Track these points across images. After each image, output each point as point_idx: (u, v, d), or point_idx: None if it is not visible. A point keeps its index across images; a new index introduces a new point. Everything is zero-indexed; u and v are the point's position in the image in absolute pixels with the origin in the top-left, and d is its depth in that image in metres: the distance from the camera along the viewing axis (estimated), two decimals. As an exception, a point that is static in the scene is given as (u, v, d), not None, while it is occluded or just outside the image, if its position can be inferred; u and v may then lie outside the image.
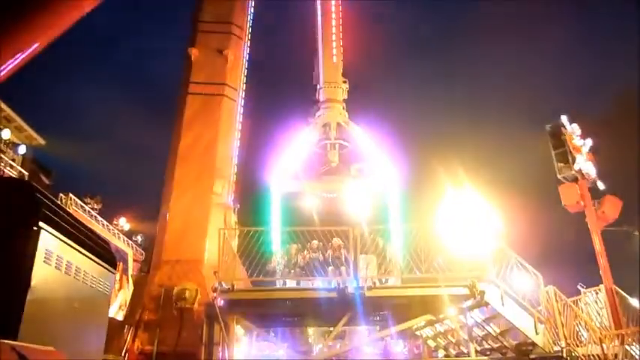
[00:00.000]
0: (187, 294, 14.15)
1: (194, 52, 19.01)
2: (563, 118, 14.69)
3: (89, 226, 5.14)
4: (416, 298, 12.88)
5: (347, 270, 17.67)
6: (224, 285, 12.97)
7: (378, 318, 15.77)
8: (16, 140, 27.28)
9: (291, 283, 14.90)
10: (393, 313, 14.41)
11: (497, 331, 13.21)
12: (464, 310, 12.98)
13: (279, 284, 14.88)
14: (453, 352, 16.10)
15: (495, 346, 13.72)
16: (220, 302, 13.13)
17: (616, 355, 10.54)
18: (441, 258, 13.03)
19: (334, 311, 13.93)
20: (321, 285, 14.90)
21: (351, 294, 13.09)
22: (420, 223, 14.21)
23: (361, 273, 13.59)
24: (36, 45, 6.92)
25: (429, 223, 13.86)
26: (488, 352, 14.12)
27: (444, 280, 12.51)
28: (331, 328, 16.57)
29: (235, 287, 12.98)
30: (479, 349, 14.17)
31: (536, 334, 11.58)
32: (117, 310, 25.96)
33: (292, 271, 15.14)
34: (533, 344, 11.80)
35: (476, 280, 12.15)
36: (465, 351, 14.35)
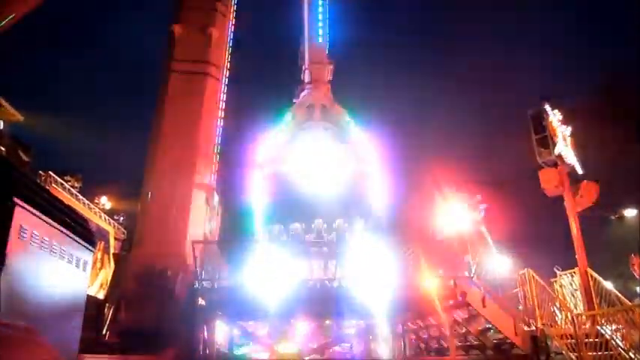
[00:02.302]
0: (169, 272, 14.15)
1: (177, 29, 18.65)
2: (545, 104, 14.82)
3: (68, 204, 5.08)
4: (400, 296, 13.04)
5: (330, 252, 17.83)
6: (204, 284, 13.09)
7: (360, 314, 15.75)
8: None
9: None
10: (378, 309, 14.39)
11: (478, 329, 13.36)
12: (447, 308, 13.09)
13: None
14: (434, 345, 16.20)
15: (475, 343, 13.94)
16: (202, 302, 13.19)
17: (587, 335, 10.86)
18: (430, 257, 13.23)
19: (318, 308, 14.02)
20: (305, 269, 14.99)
21: (334, 293, 13.17)
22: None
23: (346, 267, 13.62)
24: (11, 16, 6.74)
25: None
26: (468, 348, 14.32)
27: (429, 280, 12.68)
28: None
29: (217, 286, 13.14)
30: (459, 344, 14.33)
31: (516, 335, 11.86)
32: (98, 289, 25.84)
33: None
34: (513, 344, 12.08)
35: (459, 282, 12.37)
36: (446, 345, 14.55)
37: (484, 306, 12.24)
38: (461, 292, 12.18)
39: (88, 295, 6.40)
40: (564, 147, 14.59)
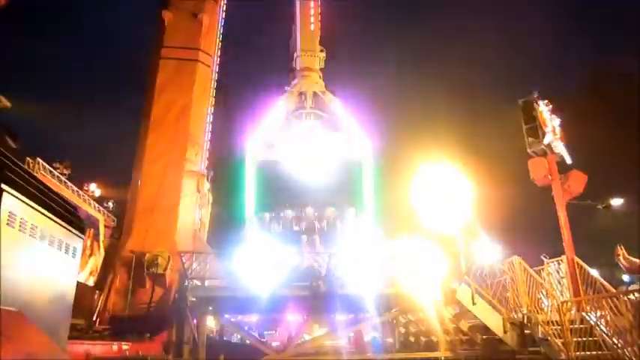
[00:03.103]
0: (159, 260, 14.15)
1: (167, 15, 18.43)
2: (535, 94, 14.89)
3: (57, 191, 5.06)
4: (390, 294, 13.16)
5: (320, 239, 17.95)
6: (195, 282, 13.20)
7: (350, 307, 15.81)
8: (-21, 102, 26.24)
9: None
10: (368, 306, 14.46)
11: (467, 325, 13.50)
12: (437, 305, 13.19)
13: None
14: (423, 339, 16.31)
15: (465, 338, 14.08)
16: (192, 298, 13.23)
17: (573, 321, 11.04)
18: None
19: (309, 305, 14.13)
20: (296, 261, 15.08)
21: (325, 292, 13.26)
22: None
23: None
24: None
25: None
26: (458, 343, 14.44)
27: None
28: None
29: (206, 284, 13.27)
30: (449, 339, 14.46)
31: (505, 332, 12.01)
32: (87, 276, 25.78)
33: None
34: (501, 340, 12.23)
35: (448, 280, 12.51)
36: (435, 340, 14.69)
37: (474, 303, 12.34)
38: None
39: (78, 283, 6.40)
40: (553, 137, 14.70)
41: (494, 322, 12.18)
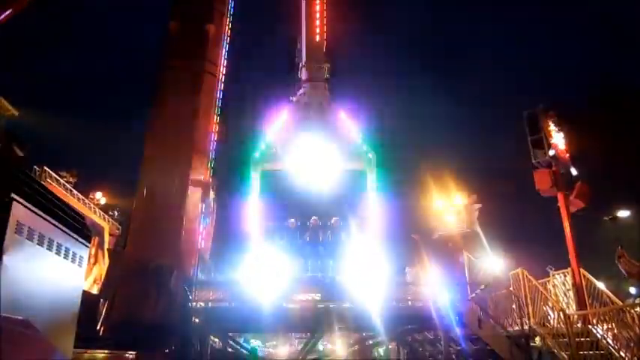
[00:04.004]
0: (163, 270, 14.15)
1: (174, 25, 18.62)
2: (541, 105, 14.89)
3: (64, 199, 5.11)
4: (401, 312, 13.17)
5: (325, 251, 17.86)
6: (199, 305, 13.52)
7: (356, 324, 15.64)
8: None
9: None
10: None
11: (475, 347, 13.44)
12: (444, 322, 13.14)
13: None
14: (429, 347, 16.21)
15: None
16: (196, 320, 13.42)
17: (579, 334, 10.94)
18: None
19: (312, 323, 14.18)
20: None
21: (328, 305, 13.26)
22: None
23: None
24: (9, 12, 6.74)
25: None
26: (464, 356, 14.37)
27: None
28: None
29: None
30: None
31: (512, 356, 11.91)
32: (91, 284, 25.78)
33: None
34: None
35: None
36: (441, 348, 14.60)
37: (480, 327, 12.22)
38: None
39: (83, 291, 6.42)
40: (559, 148, 14.68)
41: (502, 345, 12.03)
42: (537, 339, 11.54)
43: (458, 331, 13.31)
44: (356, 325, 14.10)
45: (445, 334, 13.29)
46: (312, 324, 14.35)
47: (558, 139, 14.74)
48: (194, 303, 13.56)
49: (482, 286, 13.76)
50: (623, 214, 30.09)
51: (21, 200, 3.71)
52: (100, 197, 34.35)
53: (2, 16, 6.35)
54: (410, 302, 14.35)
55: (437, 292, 13.66)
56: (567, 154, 14.84)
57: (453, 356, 14.55)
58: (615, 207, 30.43)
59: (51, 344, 3.80)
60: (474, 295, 13.21)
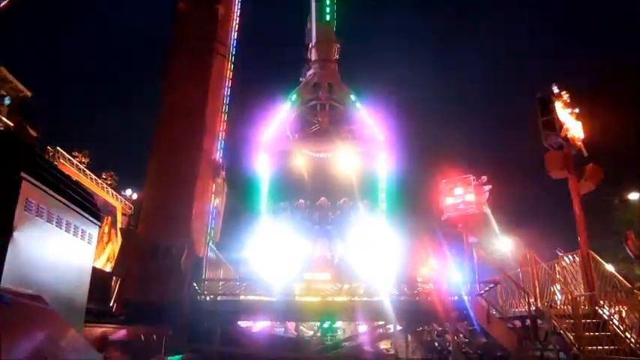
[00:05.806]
0: (174, 250, 14.34)
1: (182, 5, 18.49)
2: (553, 87, 14.70)
3: (75, 179, 5.20)
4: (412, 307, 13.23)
5: (334, 231, 17.97)
6: (207, 298, 13.86)
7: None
8: (0, 92, 26.75)
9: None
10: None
11: (481, 341, 13.48)
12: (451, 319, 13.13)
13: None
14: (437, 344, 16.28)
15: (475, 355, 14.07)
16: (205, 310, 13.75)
17: (585, 315, 10.99)
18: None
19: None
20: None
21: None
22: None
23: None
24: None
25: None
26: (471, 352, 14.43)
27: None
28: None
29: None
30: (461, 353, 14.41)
31: (521, 351, 11.91)
32: (105, 263, 26.28)
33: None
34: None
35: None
36: (445, 353, 14.71)
37: (489, 322, 12.27)
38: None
39: (95, 268, 6.57)
40: (570, 129, 14.52)
41: (510, 341, 12.09)
42: (544, 319, 11.60)
43: (466, 323, 13.37)
44: (366, 315, 14.16)
45: (453, 327, 13.35)
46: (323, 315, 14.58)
47: (570, 121, 14.57)
48: (205, 282, 13.76)
49: (491, 285, 13.83)
50: (634, 196, 29.79)
51: (30, 179, 3.80)
52: (112, 177, 34.59)
53: (3, 4, 6.39)
54: (420, 287, 14.44)
55: (446, 279, 13.72)
56: (578, 136, 14.69)
57: (463, 346, 14.65)
58: (627, 189, 30.12)
59: (61, 318, 3.92)
60: (482, 292, 13.28)
